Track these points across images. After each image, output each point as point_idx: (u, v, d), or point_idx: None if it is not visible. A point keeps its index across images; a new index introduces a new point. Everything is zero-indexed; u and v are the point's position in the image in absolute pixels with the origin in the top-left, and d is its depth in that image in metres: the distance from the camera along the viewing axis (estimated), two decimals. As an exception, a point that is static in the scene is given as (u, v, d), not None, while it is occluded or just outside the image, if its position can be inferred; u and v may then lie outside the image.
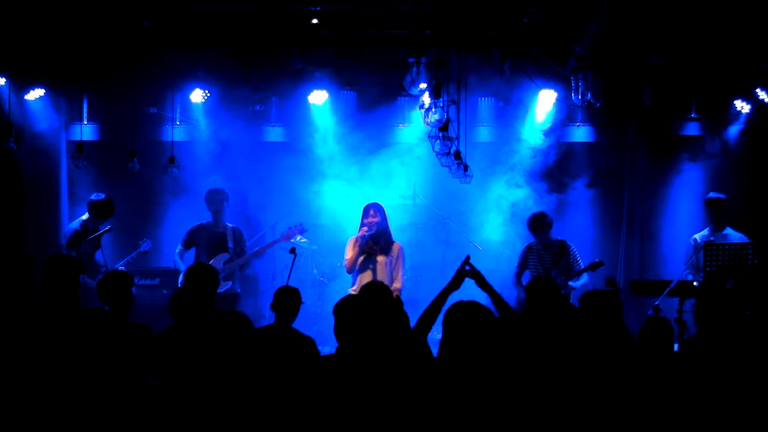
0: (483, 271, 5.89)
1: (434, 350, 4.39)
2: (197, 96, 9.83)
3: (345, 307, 4.75)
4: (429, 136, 6.83)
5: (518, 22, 7.76)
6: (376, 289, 5.57)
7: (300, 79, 9.70)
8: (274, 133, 10.48)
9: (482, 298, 5.23)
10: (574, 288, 8.02)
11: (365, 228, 7.96)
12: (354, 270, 7.98)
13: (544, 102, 9.57)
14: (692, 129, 9.96)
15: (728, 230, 8.32)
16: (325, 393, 4.46)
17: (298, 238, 9.47)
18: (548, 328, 5.28)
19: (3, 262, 7.81)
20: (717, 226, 8.33)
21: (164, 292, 8.52)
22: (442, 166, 7.15)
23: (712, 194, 8.49)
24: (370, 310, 4.88)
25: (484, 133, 10.11)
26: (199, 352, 5.10)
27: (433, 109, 6.57)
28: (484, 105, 10.02)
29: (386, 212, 8.11)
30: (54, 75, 9.18)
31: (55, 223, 10.04)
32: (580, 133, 10.18)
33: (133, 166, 9.19)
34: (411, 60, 6.85)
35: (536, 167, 9.69)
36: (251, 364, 5.10)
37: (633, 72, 8.53)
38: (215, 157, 10.00)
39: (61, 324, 4.97)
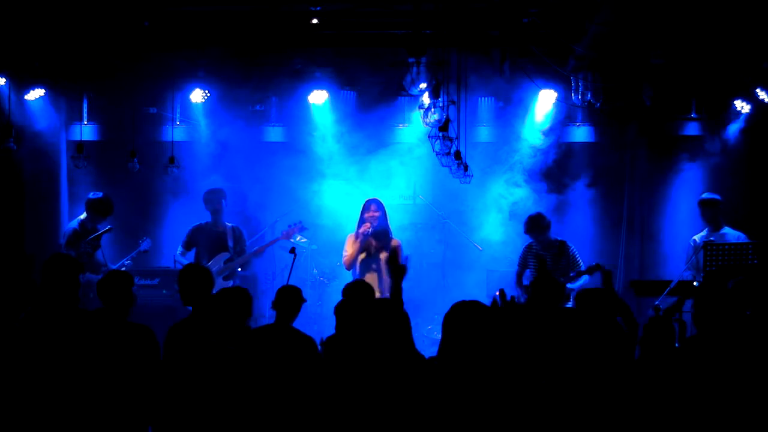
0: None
1: (434, 350, 4.38)
2: (197, 96, 9.83)
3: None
4: (429, 136, 6.83)
5: (518, 22, 7.75)
6: (358, 289, 5.64)
7: (300, 79, 9.70)
8: (274, 133, 10.47)
9: (483, 298, 5.22)
10: (572, 290, 8.01)
11: (367, 224, 7.95)
12: (353, 267, 7.97)
13: (544, 102, 9.57)
14: (692, 129, 9.96)
15: (726, 229, 8.32)
16: (323, 394, 4.46)
17: (298, 238, 9.48)
18: (547, 328, 5.28)
19: (3, 262, 7.81)
20: (714, 226, 8.33)
21: (164, 292, 8.51)
22: (442, 166, 7.15)
23: (705, 195, 8.49)
24: (355, 310, 4.95)
25: (484, 133, 10.11)
26: (199, 352, 5.10)
27: (432, 110, 6.57)
28: (484, 105, 10.02)
29: (386, 210, 8.14)
30: (54, 75, 9.18)
31: (55, 223, 10.04)
32: (580, 133, 10.17)
33: (133, 166, 9.20)
34: (411, 60, 6.83)
35: (536, 167, 9.69)
36: (250, 361, 5.10)
37: (633, 72, 8.53)
38: (215, 157, 10.00)
39: (61, 324, 4.97)
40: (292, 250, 7.82)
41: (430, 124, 6.67)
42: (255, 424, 4.91)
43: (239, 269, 8.77)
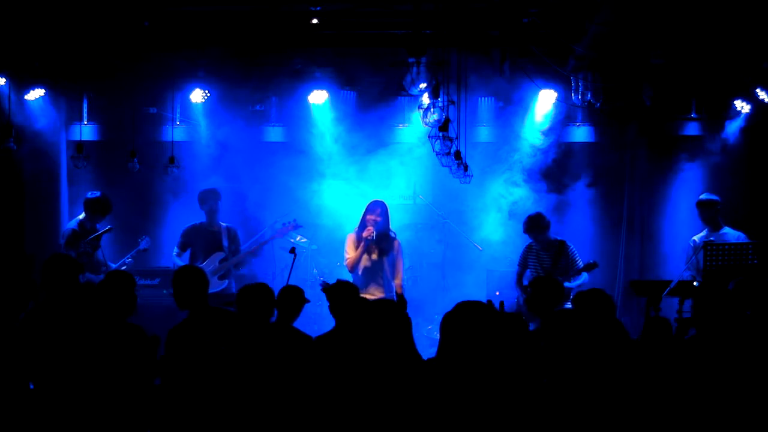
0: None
1: (434, 351, 4.38)
2: (197, 96, 9.83)
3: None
4: (429, 136, 6.83)
5: (518, 22, 7.75)
6: (343, 289, 5.68)
7: (300, 79, 9.70)
8: (274, 133, 10.47)
9: (483, 298, 5.22)
10: (571, 288, 8.01)
11: (370, 229, 7.95)
12: (355, 269, 7.99)
13: (544, 102, 9.57)
14: (692, 129, 9.97)
15: (726, 229, 8.31)
16: (323, 393, 4.47)
17: (298, 238, 9.47)
18: (547, 328, 5.28)
19: (3, 262, 7.82)
20: (713, 227, 8.32)
21: (164, 292, 8.51)
22: (442, 166, 7.15)
23: (703, 196, 8.46)
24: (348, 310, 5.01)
25: (484, 133, 10.12)
26: (198, 352, 5.10)
27: (432, 110, 6.57)
28: (484, 105, 10.03)
29: (389, 212, 8.17)
30: (54, 75, 9.18)
31: (55, 223, 10.04)
32: (580, 133, 10.18)
33: (133, 166, 9.20)
34: (411, 60, 6.83)
35: (536, 167, 9.70)
36: (250, 360, 5.10)
37: (633, 72, 8.53)
38: (215, 157, 10.00)
39: (60, 324, 4.97)
40: (292, 250, 7.83)
41: (430, 124, 6.67)
42: (255, 424, 4.91)
43: (233, 268, 8.77)
